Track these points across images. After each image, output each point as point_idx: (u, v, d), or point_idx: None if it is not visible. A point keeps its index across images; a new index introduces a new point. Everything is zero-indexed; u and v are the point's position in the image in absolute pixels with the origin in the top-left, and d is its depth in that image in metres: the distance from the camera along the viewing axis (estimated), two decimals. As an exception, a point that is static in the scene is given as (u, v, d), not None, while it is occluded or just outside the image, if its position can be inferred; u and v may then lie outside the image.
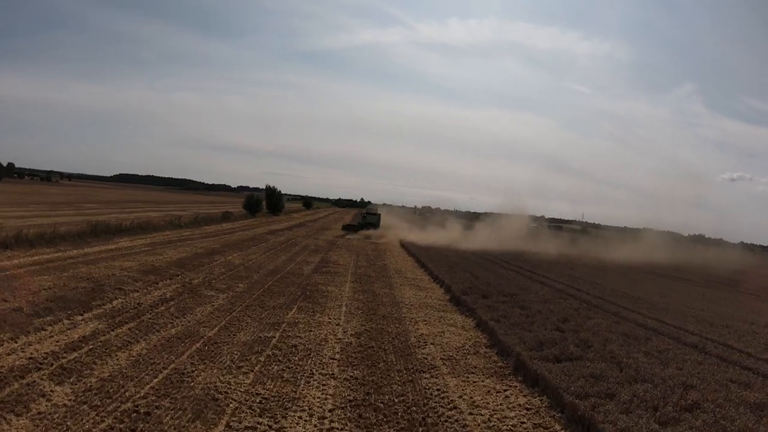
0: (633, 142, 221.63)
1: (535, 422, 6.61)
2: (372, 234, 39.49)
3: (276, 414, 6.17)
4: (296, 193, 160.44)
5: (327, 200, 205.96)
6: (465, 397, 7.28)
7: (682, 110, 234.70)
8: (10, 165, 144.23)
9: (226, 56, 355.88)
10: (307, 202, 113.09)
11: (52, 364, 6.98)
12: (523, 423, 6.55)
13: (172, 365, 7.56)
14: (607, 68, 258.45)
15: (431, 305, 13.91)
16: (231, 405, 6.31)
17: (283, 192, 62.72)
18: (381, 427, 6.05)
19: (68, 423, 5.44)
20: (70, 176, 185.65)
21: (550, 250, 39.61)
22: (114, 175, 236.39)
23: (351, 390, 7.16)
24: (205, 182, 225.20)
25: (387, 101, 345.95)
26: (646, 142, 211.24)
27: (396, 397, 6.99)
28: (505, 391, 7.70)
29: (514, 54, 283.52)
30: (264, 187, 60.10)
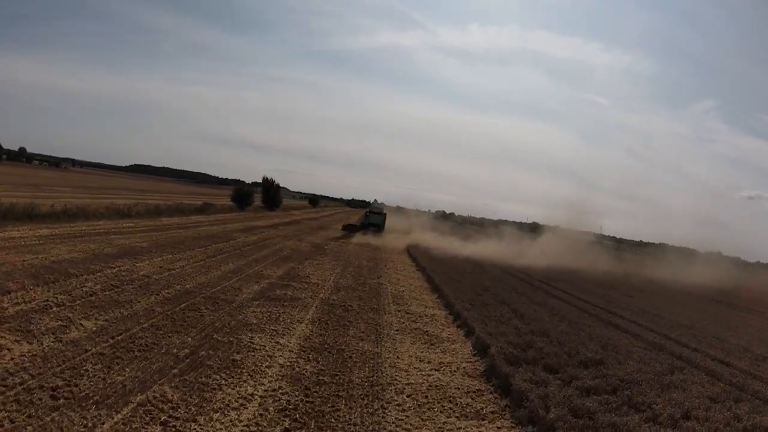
0: (650, 156, 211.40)
1: None
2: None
3: None
4: (309, 192, 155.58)
5: (340, 200, 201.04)
6: None
7: (701, 126, 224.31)
8: (22, 149, 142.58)
9: (245, 52, 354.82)
10: (313, 199, 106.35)
11: None
12: None
13: None
14: (627, 81, 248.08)
15: (453, 394, 6.73)
16: None
17: (294, 189, 56.63)
18: None
19: None
20: (83, 164, 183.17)
21: (596, 266, 33.50)
22: (129, 165, 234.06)
23: None
24: (219, 176, 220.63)
25: (402, 104, 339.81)
26: (663, 157, 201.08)
27: None
28: None
29: (532, 62, 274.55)
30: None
